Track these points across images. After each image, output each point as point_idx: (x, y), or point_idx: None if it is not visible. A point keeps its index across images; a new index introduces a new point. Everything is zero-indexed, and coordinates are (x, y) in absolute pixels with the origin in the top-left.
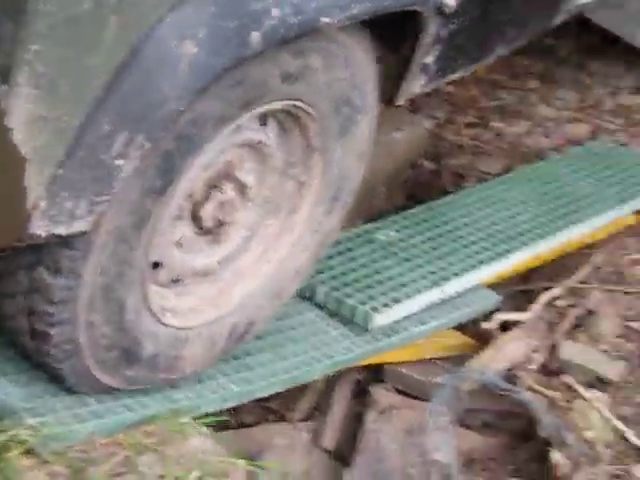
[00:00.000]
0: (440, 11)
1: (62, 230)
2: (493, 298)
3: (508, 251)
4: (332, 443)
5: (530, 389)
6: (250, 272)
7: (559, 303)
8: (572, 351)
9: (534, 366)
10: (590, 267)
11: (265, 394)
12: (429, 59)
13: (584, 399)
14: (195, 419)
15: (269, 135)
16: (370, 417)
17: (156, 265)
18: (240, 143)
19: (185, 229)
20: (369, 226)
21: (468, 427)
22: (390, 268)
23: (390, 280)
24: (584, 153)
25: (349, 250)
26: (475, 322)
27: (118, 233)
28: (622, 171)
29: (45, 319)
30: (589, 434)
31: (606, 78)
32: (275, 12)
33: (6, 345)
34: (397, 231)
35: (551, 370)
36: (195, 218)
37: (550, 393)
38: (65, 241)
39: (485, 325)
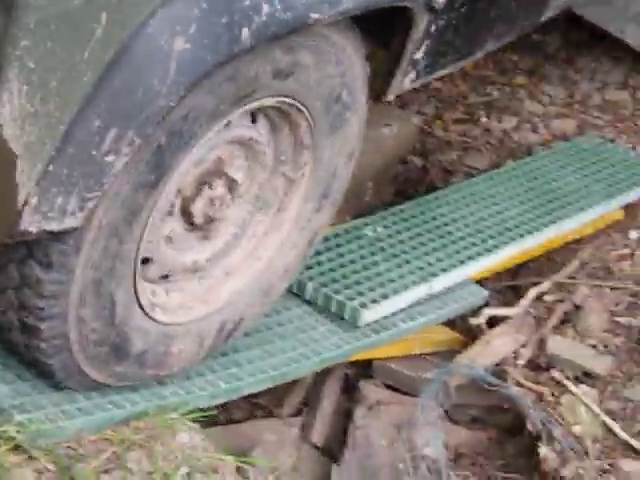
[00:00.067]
0: (430, 7)
1: (53, 226)
2: (481, 294)
3: (496, 247)
4: (321, 439)
5: (518, 384)
6: (239, 269)
7: (547, 298)
8: (560, 346)
9: (522, 361)
10: (578, 262)
11: (253, 391)
12: (419, 55)
13: (572, 394)
14: (184, 415)
15: (260, 132)
16: (359, 412)
17: (146, 261)
18: (231, 140)
19: (175, 225)
20: (357, 222)
21: (457, 422)
22: (378, 264)
23: (378, 276)
24: (572, 149)
25: (337, 246)
26: (463, 317)
27: (110, 227)
28: (609, 166)
29: (36, 313)
30: (577, 429)
31: (594, 74)
32: (265, 8)
33: None
34: (385, 227)
35: (539, 365)
36: (185, 214)
37: (538, 388)
38: (56, 235)
39: (473, 320)
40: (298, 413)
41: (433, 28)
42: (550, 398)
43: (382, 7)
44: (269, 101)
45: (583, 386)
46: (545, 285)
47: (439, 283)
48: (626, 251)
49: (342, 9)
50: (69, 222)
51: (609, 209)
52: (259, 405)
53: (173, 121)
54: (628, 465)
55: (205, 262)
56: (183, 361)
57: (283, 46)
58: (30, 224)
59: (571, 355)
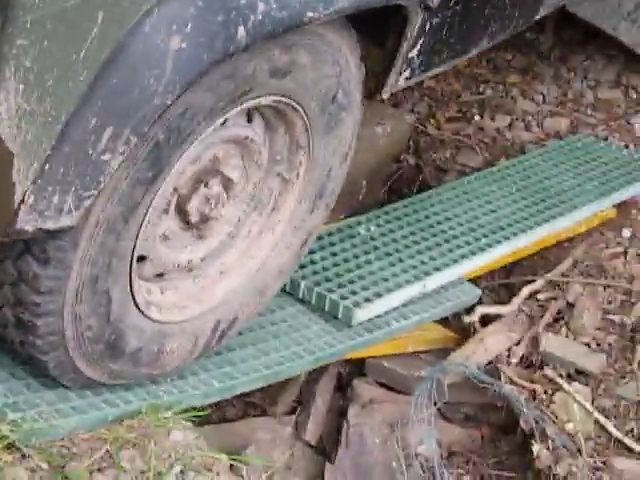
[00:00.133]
0: (425, 5)
1: (50, 225)
2: (474, 292)
3: (489, 245)
4: (315, 437)
5: (511, 382)
6: (234, 269)
7: (540, 296)
8: (553, 344)
9: (515, 359)
10: (571, 260)
11: (247, 390)
12: (413, 53)
13: (565, 391)
14: (177, 414)
15: (256, 131)
16: (352, 411)
17: (141, 259)
18: (227, 139)
19: (171, 223)
20: (351, 220)
21: (450, 420)
22: (372, 263)
23: (372, 275)
24: (565, 147)
25: (331, 245)
26: (457, 316)
27: (107, 223)
28: (602, 165)
29: (32, 309)
30: (570, 426)
31: (587, 72)
32: (261, 6)
33: None
34: (379, 226)
35: (532, 363)
36: (181, 212)
37: (531, 386)
38: (53, 233)
39: (467, 319)
40: (292, 412)
41: (428, 26)
42: (543, 396)
43: (377, 6)
44: (266, 100)
45: (576, 384)
46: (538, 283)
47: (432, 282)
48: (619, 249)
49: (337, 8)
50: (65, 221)
51: (602, 207)
52: (253, 404)
53: (171, 118)
54: (621, 463)
55: (200, 261)
56: (177, 360)
57: (280, 45)
58: (26, 223)
59: (564, 353)
